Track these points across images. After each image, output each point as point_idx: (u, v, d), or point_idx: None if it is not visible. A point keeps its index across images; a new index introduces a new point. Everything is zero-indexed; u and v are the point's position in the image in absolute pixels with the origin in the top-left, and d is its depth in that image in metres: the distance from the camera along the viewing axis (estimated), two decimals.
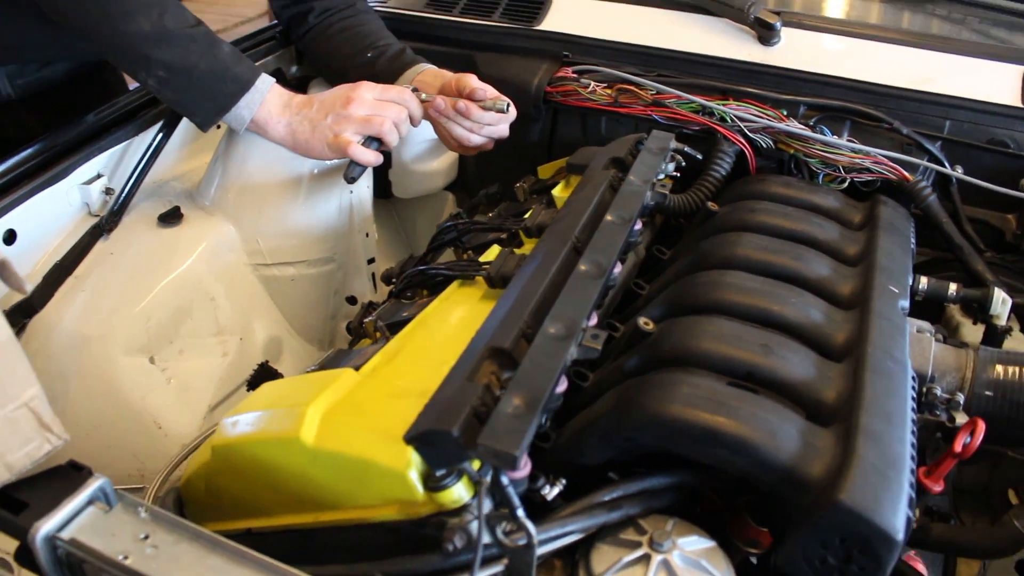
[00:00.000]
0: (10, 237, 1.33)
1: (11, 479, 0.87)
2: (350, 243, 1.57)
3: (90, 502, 0.87)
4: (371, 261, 1.63)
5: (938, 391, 1.08)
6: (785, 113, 1.53)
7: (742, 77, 1.60)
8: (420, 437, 0.81)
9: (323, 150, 1.37)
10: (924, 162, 1.47)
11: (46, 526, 0.83)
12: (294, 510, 0.96)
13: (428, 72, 1.56)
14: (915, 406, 1.01)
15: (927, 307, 1.34)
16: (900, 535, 0.82)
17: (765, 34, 1.64)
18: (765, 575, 1.05)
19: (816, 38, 1.65)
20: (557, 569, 0.96)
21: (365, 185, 1.57)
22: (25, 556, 0.87)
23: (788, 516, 0.88)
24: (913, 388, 1.03)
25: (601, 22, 1.74)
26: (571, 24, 1.75)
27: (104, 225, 1.45)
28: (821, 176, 1.50)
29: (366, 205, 1.58)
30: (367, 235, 1.60)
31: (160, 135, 1.53)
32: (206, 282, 1.45)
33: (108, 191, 1.48)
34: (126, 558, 0.81)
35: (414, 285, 1.28)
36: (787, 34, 1.64)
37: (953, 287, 1.28)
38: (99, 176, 1.47)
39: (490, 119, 1.47)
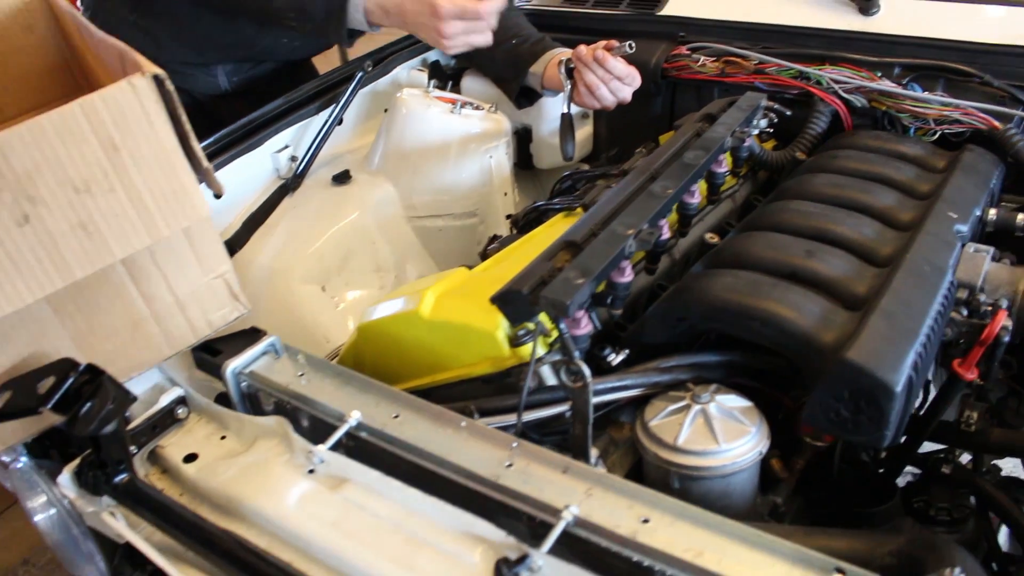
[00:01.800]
0: (217, 193, 1.70)
1: (210, 334, 1.19)
2: (490, 200, 1.84)
3: (264, 352, 1.17)
4: (509, 217, 1.89)
5: (982, 298, 1.20)
6: (879, 75, 1.66)
7: (840, 44, 1.74)
8: (500, 297, 1.06)
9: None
10: (1016, 111, 1.55)
11: (234, 364, 1.14)
12: (416, 375, 1.22)
13: (564, 54, 1.81)
14: (946, 305, 1.13)
15: (1011, 242, 1.41)
16: (898, 388, 0.97)
17: (864, 5, 1.77)
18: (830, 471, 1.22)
19: (913, 5, 1.76)
20: (624, 427, 1.17)
21: (503, 151, 1.84)
22: (223, 400, 1.19)
23: (811, 381, 1.05)
24: (949, 291, 1.15)
25: (714, 4, 1.92)
26: (688, 8, 1.95)
27: (290, 185, 1.78)
28: (913, 129, 1.62)
29: (504, 168, 1.85)
30: (505, 194, 1.86)
31: (333, 115, 1.85)
32: (369, 229, 1.76)
33: (293, 158, 1.82)
34: (288, 386, 1.10)
35: (532, 221, 1.52)
36: (885, 3, 1.76)
37: (1021, 216, 1.37)
38: (286, 147, 1.82)
39: (621, 68, 1.67)
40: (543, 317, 1.06)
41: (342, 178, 1.81)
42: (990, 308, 1.18)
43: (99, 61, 1.29)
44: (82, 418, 0.94)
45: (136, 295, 1.08)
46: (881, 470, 1.27)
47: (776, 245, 1.20)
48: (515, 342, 1.09)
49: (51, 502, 1.16)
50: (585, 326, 1.07)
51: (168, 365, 1.20)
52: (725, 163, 1.45)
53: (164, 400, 1.14)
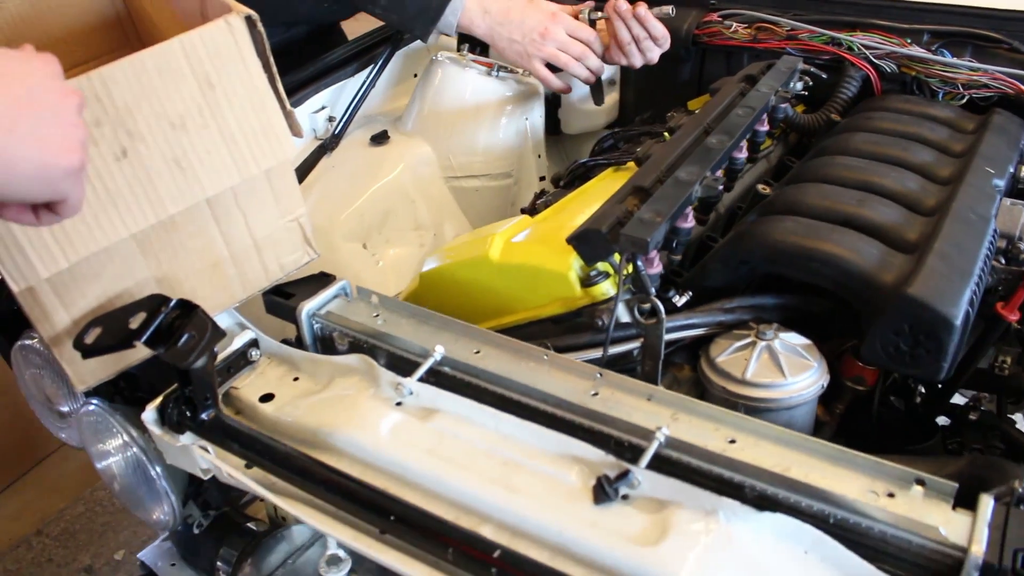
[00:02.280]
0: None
1: (281, 277, 1.21)
2: (524, 161, 1.88)
3: (336, 296, 1.20)
4: (542, 179, 1.92)
5: (1022, 246, 1.25)
6: (909, 41, 1.71)
7: (870, 12, 1.78)
8: (578, 236, 1.10)
9: (515, 60, 1.69)
10: None
11: (308, 306, 1.17)
12: (482, 319, 1.25)
13: None
14: (991, 250, 1.18)
15: None
16: (958, 321, 1.02)
17: None
18: (869, 414, 1.27)
19: None
20: (685, 369, 1.21)
21: (538, 114, 1.88)
22: (297, 343, 1.21)
23: (871, 320, 1.10)
24: (993, 238, 1.21)
25: None
26: None
27: (328, 145, 1.81)
28: (941, 94, 1.67)
29: (539, 130, 1.88)
30: (539, 156, 1.90)
31: (370, 77, 1.88)
32: (407, 188, 1.79)
33: (331, 119, 1.85)
34: (366, 325, 1.14)
35: (578, 177, 1.56)
36: None
37: None
38: (323, 108, 1.85)
39: (659, 29, 1.71)
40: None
41: (380, 138, 1.83)
42: None
43: (164, 10, 1.31)
44: (181, 349, 0.97)
45: (217, 235, 1.11)
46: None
47: (828, 194, 1.25)
48: (587, 282, 1.13)
49: (127, 443, 1.18)
50: (657, 266, 1.12)
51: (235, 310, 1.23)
52: (766, 122, 1.49)
53: (238, 342, 1.17)
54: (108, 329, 1.02)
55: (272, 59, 1.04)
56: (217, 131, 1.01)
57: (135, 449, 1.17)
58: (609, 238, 1.07)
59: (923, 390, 1.32)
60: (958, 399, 1.35)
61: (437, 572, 0.85)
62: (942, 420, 1.36)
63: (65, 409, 1.36)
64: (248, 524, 1.31)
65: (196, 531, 1.29)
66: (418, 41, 2.02)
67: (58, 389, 1.34)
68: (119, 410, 1.19)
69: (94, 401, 1.21)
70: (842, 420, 1.27)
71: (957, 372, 1.28)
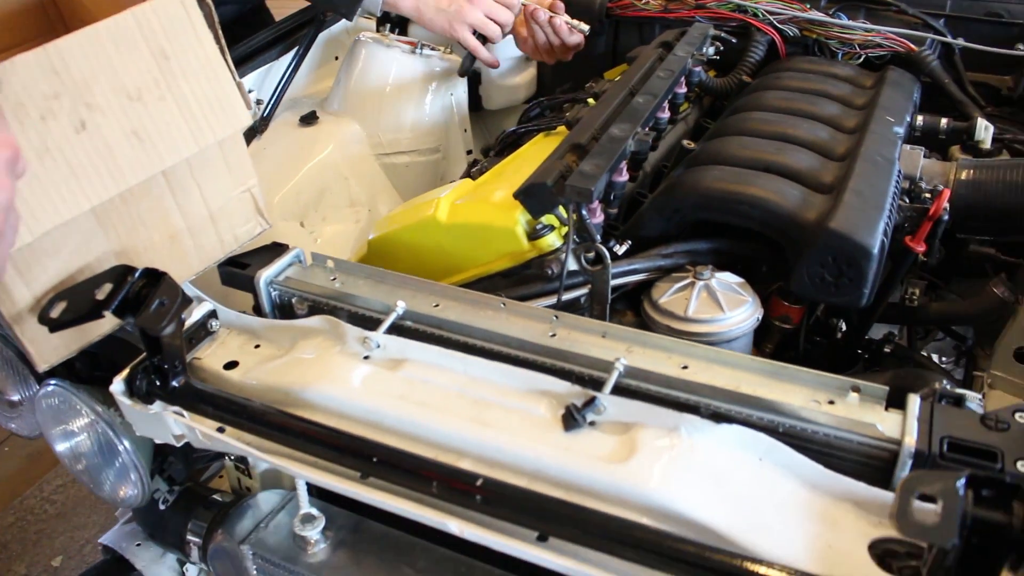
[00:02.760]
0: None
1: (236, 249, 1.24)
2: (451, 136, 1.93)
3: (291, 264, 1.24)
4: (469, 152, 1.98)
5: (923, 185, 1.37)
6: (808, 6, 1.82)
7: None
8: (525, 190, 1.16)
9: (443, 30, 1.74)
10: (929, 35, 1.75)
11: (266, 273, 1.20)
12: (433, 279, 1.30)
13: None
14: (897, 189, 1.30)
15: (930, 147, 1.60)
16: (875, 250, 1.12)
17: None
18: (796, 350, 1.37)
19: None
20: (628, 315, 1.29)
21: (462, 90, 1.93)
22: (256, 312, 1.24)
23: (798, 255, 1.19)
24: (898, 179, 1.32)
25: None
26: None
27: (257, 128, 1.83)
28: (840, 54, 1.79)
29: (463, 105, 1.94)
30: (465, 130, 1.95)
31: (295, 59, 1.90)
32: (340, 166, 1.82)
33: (259, 102, 1.86)
34: (325, 288, 1.17)
35: (508, 145, 1.62)
36: None
37: (944, 120, 1.56)
38: (251, 91, 1.85)
39: (574, 40, 1.81)
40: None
41: (309, 119, 1.86)
42: (929, 195, 1.36)
43: None
44: (152, 315, 0.99)
45: (174, 206, 1.13)
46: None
47: (748, 145, 1.34)
48: (533, 236, 1.20)
49: (93, 421, 1.19)
50: (599, 216, 1.19)
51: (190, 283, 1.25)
52: (684, 85, 1.58)
53: (197, 313, 1.19)
54: (73, 302, 1.03)
55: (220, 31, 1.06)
56: (173, 102, 1.03)
57: (102, 424, 1.18)
58: (555, 191, 1.13)
59: (843, 327, 1.43)
60: (874, 335, 1.47)
61: (422, 506, 0.90)
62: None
63: (15, 398, 1.35)
64: (214, 496, 1.33)
65: (162, 507, 1.31)
66: (337, 24, 2.05)
67: (7, 377, 1.33)
68: (82, 388, 1.19)
69: (53, 382, 1.21)
70: (772, 358, 1.37)
71: (873, 305, 1.39)
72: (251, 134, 1.82)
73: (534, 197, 1.16)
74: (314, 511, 1.16)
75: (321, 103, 1.94)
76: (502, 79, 2.11)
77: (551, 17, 1.78)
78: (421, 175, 1.92)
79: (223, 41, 1.07)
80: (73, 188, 0.99)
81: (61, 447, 1.26)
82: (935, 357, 1.60)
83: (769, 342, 1.38)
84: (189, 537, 1.30)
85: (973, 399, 0.93)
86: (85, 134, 0.98)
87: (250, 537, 1.20)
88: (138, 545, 1.39)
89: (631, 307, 1.29)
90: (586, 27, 1.81)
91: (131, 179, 1.03)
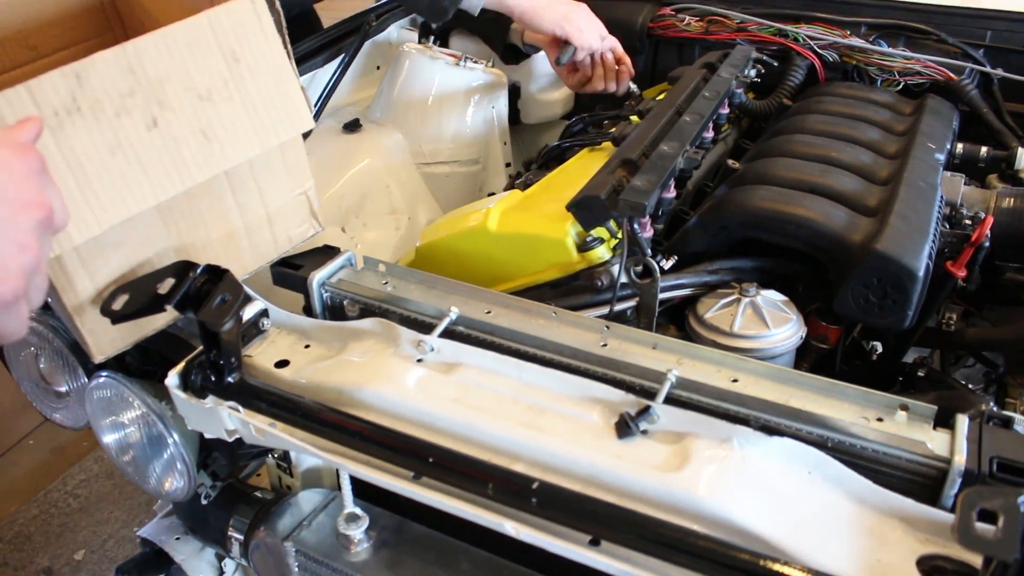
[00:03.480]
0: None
1: (289, 250, 1.26)
2: (491, 148, 1.96)
3: (343, 266, 1.26)
4: (508, 165, 2.01)
5: (964, 211, 1.39)
6: (848, 32, 1.85)
7: (813, 5, 1.93)
8: (578, 203, 1.18)
9: (551, 27, 1.76)
10: (968, 64, 1.77)
11: (319, 275, 1.23)
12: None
13: None
14: (940, 214, 1.31)
15: (969, 174, 1.61)
16: (920, 272, 1.14)
17: None
18: (831, 371, 1.38)
19: None
20: (671, 329, 1.31)
21: (503, 103, 1.96)
22: (306, 313, 1.26)
23: (842, 276, 1.21)
24: (941, 205, 1.34)
25: None
26: None
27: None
28: (880, 81, 1.82)
29: (504, 118, 1.96)
30: (504, 143, 1.98)
31: (341, 66, 1.93)
32: (381, 174, 1.84)
33: None
34: (377, 291, 1.20)
35: (552, 158, 1.64)
36: None
37: (984, 149, 1.58)
38: None
39: (621, 88, 1.89)
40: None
41: (352, 126, 1.89)
42: (969, 222, 1.37)
43: None
44: (214, 311, 1.01)
45: (234, 205, 1.15)
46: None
47: (793, 167, 1.36)
48: (582, 248, 1.22)
49: (145, 413, 1.21)
50: (649, 231, 1.21)
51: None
52: (726, 106, 1.60)
53: (249, 312, 1.21)
54: (135, 295, 1.05)
55: (287, 36, 1.09)
56: (240, 103, 1.06)
57: (152, 417, 1.20)
58: (608, 204, 1.15)
59: (879, 349, 1.44)
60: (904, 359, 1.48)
61: (478, 507, 0.92)
62: None
63: (63, 389, 1.38)
64: (255, 493, 1.35)
65: (204, 502, 1.33)
66: (379, 35, 2.08)
67: (56, 368, 1.35)
68: (135, 381, 1.21)
69: (105, 373, 1.23)
70: None
71: (912, 328, 1.41)
72: None
73: (587, 210, 1.18)
74: (358, 510, 1.18)
75: (363, 111, 1.97)
76: (541, 94, 2.14)
77: (620, 71, 1.86)
78: (461, 185, 1.94)
79: (289, 46, 1.10)
80: (142, 183, 1.01)
81: (109, 438, 1.28)
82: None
83: (805, 361, 1.39)
84: (231, 532, 1.32)
85: (1021, 421, 0.94)
86: (156, 131, 1.00)
87: (293, 534, 1.21)
88: (177, 539, 1.41)
89: (672, 321, 1.31)
90: (637, 90, 1.91)
91: (197, 177, 1.06)
